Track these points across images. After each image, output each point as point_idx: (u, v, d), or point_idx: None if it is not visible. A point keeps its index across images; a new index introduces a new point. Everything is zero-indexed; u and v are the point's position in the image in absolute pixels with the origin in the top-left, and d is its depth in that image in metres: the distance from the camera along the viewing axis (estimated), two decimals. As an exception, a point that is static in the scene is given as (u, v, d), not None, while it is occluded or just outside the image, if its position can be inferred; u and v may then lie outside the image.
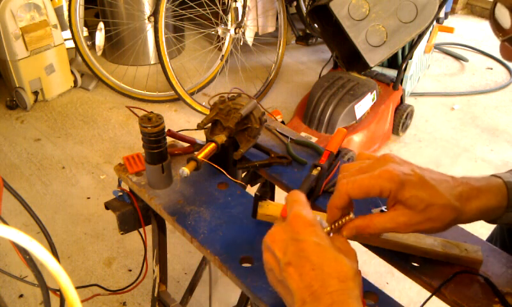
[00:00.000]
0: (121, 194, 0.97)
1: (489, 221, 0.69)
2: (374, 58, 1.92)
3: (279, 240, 0.55)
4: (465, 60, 3.06)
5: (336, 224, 0.62)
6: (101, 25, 2.71)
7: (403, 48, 2.32)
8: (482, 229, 1.78)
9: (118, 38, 2.81)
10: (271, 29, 2.93)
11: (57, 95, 2.62)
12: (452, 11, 3.72)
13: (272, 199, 1.17)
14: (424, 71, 2.85)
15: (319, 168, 0.88)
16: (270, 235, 0.57)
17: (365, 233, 0.61)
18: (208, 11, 2.50)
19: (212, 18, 2.52)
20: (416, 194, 0.58)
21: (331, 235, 0.62)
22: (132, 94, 2.60)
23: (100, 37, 2.74)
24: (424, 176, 0.60)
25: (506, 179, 0.65)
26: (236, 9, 2.52)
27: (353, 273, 0.53)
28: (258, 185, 1.09)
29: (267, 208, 0.80)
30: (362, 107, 2.10)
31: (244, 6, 2.47)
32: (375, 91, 2.16)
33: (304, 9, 2.90)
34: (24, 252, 0.71)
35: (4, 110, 2.50)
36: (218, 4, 2.48)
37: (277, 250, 0.55)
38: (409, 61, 2.31)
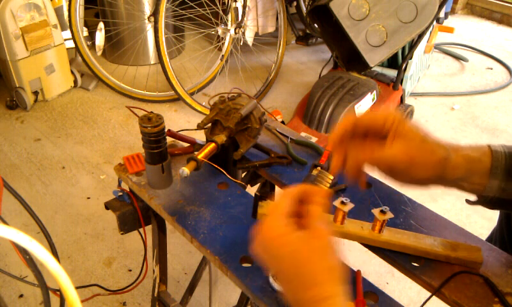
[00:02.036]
0: (121, 194, 0.97)
1: (476, 200, 0.71)
2: (374, 58, 1.92)
3: (259, 253, 0.58)
4: (465, 60, 3.06)
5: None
6: (101, 25, 2.71)
7: (403, 48, 2.32)
8: (482, 230, 1.79)
9: (118, 38, 2.81)
10: (271, 29, 2.93)
11: (57, 95, 2.62)
12: (452, 11, 3.72)
13: (273, 199, 1.17)
14: (424, 71, 2.85)
15: (319, 168, 0.88)
16: (254, 249, 0.59)
17: (366, 161, 0.66)
18: (208, 11, 2.50)
19: (212, 18, 2.52)
20: (415, 128, 0.66)
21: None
22: (132, 94, 2.60)
23: (100, 37, 2.74)
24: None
25: (492, 146, 0.69)
26: (236, 9, 2.52)
27: (328, 267, 0.54)
28: (258, 185, 1.09)
29: (267, 208, 0.80)
30: (362, 107, 2.10)
31: (244, 6, 2.47)
32: (375, 91, 2.16)
33: (304, 9, 2.90)
34: (23, 252, 0.71)
35: (4, 110, 2.50)
36: (218, 4, 2.48)
37: (264, 262, 0.58)
38: (409, 61, 2.31)
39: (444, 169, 0.66)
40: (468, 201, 0.72)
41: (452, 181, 0.68)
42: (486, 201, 0.69)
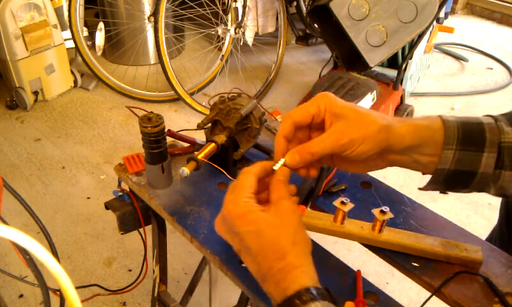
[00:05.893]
0: (121, 194, 0.97)
1: (428, 171, 0.66)
2: (374, 58, 1.92)
3: (223, 231, 0.61)
4: (465, 60, 3.06)
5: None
6: (101, 25, 2.71)
7: (403, 48, 2.32)
8: (482, 230, 1.79)
9: (118, 38, 2.81)
10: (271, 29, 2.93)
11: (57, 95, 2.62)
12: (452, 11, 3.72)
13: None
14: (424, 71, 2.85)
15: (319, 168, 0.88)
16: (216, 226, 0.62)
17: (308, 157, 0.63)
18: (208, 11, 2.50)
19: (212, 18, 2.52)
20: (348, 105, 0.63)
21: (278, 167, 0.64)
22: (132, 94, 2.60)
23: (100, 37, 2.74)
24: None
25: (443, 116, 0.65)
26: (236, 9, 2.52)
27: (290, 245, 0.56)
28: (258, 185, 1.09)
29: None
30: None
31: (244, 6, 2.47)
32: (375, 91, 2.16)
33: (304, 9, 2.90)
34: (24, 252, 0.71)
35: (4, 110, 2.50)
36: (218, 4, 2.48)
37: (227, 239, 0.60)
38: (409, 61, 2.31)
39: (388, 138, 0.62)
40: (420, 188, 0.69)
41: (401, 151, 0.64)
42: (440, 178, 0.65)
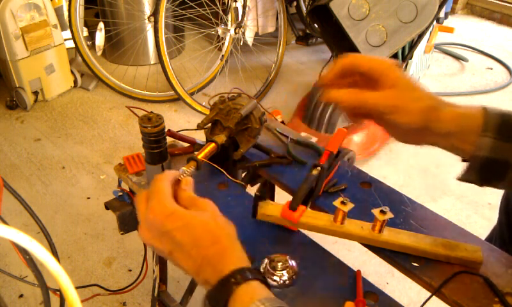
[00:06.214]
0: (121, 194, 0.97)
1: (466, 157, 0.68)
2: (374, 58, 1.92)
3: (150, 238, 0.62)
4: (465, 60, 3.06)
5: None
6: (101, 25, 2.71)
7: (403, 48, 2.32)
8: (482, 230, 1.79)
9: (118, 38, 2.81)
10: (271, 29, 2.93)
11: (57, 95, 2.62)
12: (452, 11, 3.72)
13: (272, 199, 1.17)
14: (424, 71, 2.85)
15: (319, 168, 0.88)
16: (142, 234, 0.63)
17: (358, 102, 0.68)
18: (208, 11, 2.50)
19: (212, 18, 2.52)
20: (405, 76, 0.68)
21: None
22: (132, 94, 2.60)
23: (100, 37, 2.74)
24: None
25: (487, 106, 0.67)
26: (236, 9, 2.52)
27: (220, 230, 0.61)
28: (258, 185, 1.09)
29: (267, 208, 0.80)
30: (362, 107, 2.09)
31: (244, 6, 2.47)
32: (375, 91, 2.15)
33: (304, 9, 2.90)
34: (24, 252, 0.71)
35: (4, 110, 2.50)
36: (218, 4, 2.48)
37: (155, 245, 0.61)
38: (409, 61, 2.31)
39: (431, 118, 0.66)
40: (457, 178, 0.71)
41: (441, 134, 0.67)
42: (475, 165, 0.66)
